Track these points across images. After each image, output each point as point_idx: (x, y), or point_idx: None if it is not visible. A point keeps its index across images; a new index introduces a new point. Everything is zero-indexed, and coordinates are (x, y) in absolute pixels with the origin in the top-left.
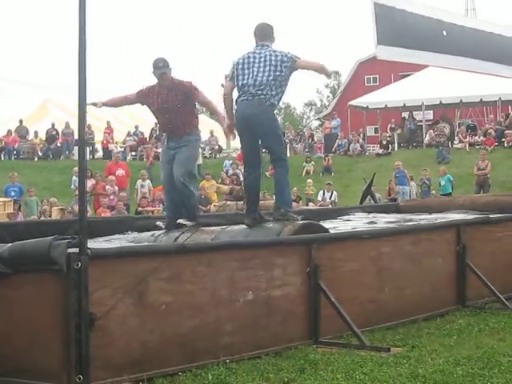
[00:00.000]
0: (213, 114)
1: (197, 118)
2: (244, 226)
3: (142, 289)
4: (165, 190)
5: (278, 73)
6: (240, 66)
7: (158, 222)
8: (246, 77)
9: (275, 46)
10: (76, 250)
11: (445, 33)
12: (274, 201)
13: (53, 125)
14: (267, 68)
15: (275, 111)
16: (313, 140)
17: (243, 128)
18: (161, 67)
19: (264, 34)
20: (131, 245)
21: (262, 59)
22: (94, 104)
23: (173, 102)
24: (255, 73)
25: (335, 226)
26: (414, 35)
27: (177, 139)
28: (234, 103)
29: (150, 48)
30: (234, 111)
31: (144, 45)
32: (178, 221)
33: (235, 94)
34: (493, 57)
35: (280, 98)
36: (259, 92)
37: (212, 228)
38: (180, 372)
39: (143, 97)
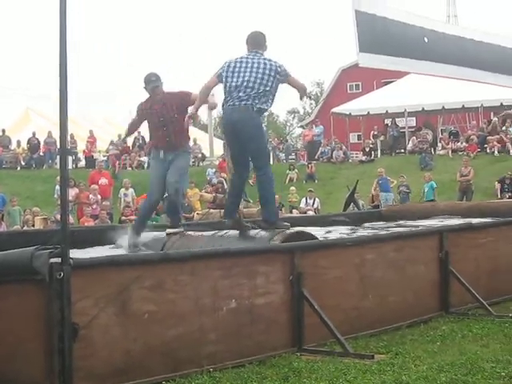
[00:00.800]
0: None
1: (187, 131)
2: (235, 233)
3: (125, 298)
4: (150, 201)
5: (268, 81)
6: (231, 69)
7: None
8: (235, 79)
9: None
10: (58, 259)
11: (426, 39)
12: (261, 211)
13: (34, 134)
14: (259, 75)
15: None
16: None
17: (230, 132)
18: (153, 81)
19: (257, 41)
20: (113, 254)
21: (255, 65)
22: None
23: (168, 114)
24: (246, 78)
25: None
26: (395, 42)
27: (173, 151)
28: (214, 103)
29: (151, 53)
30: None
31: (144, 50)
32: (167, 231)
33: (217, 92)
34: (474, 63)
35: (268, 107)
36: (247, 97)
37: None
38: (163, 381)
39: (143, 113)
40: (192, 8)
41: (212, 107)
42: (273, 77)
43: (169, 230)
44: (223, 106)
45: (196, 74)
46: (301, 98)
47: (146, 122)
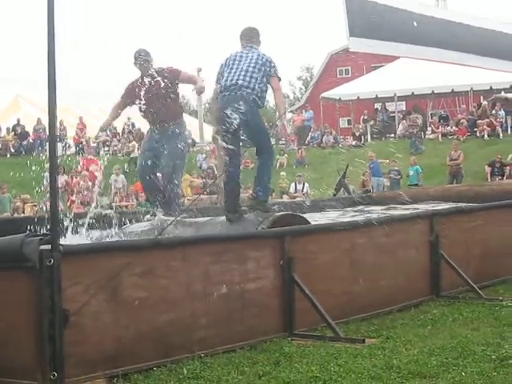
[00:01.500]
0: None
1: (181, 107)
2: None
3: (116, 284)
4: (140, 178)
5: (263, 75)
6: (226, 64)
7: (146, 217)
8: (231, 74)
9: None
10: (48, 246)
11: (415, 23)
12: (253, 188)
13: (18, 121)
14: (256, 69)
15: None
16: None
17: (225, 120)
18: (142, 56)
19: (250, 37)
20: (103, 241)
21: (249, 59)
22: (103, 130)
23: (157, 89)
24: (242, 71)
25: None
26: (385, 27)
27: (162, 128)
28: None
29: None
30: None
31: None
32: (161, 217)
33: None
34: (463, 47)
35: (263, 101)
36: (243, 88)
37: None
38: (155, 367)
39: (128, 94)
40: (189, 6)
41: (199, 91)
42: (263, 67)
43: (162, 217)
44: (218, 98)
45: (194, 71)
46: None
47: (131, 104)
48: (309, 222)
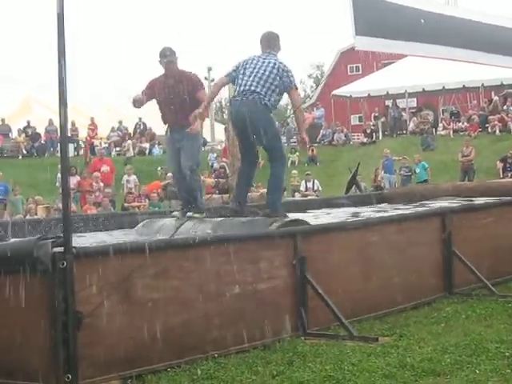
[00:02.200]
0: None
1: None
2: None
3: (129, 286)
4: (175, 181)
5: (275, 80)
6: (242, 68)
7: (174, 213)
8: (245, 79)
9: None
10: (61, 249)
11: (423, 21)
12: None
13: (28, 122)
14: (272, 75)
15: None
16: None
17: (239, 125)
18: (168, 55)
19: (270, 42)
20: (116, 242)
21: (265, 63)
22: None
23: (180, 93)
24: (256, 78)
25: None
26: (392, 25)
27: (180, 130)
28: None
29: (149, 50)
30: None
31: (143, 46)
32: (187, 214)
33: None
34: (472, 44)
35: (275, 106)
36: (256, 93)
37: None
38: (169, 368)
39: (150, 90)
40: (190, 6)
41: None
42: (279, 76)
43: (189, 214)
44: (231, 101)
45: (195, 70)
46: (299, 140)
47: (153, 100)
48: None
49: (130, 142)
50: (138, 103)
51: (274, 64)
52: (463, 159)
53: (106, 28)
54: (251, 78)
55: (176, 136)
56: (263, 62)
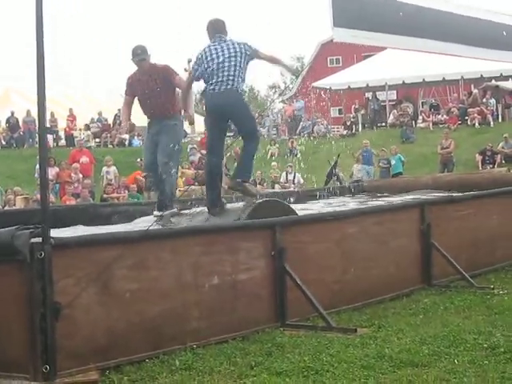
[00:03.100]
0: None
1: (178, 102)
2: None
3: (107, 277)
4: (149, 176)
5: (241, 62)
6: (203, 59)
7: (155, 212)
8: (213, 67)
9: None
10: (39, 239)
11: (401, 14)
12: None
13: (12, 113)
14: (232, 58)
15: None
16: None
17: (216, 117)
18: (139, 54)
19: (218, 28)
20: (94, 233)
21: (225, 50)
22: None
23: (153, 86)
24: (222, 63)
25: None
26: (370, 17)
27: (157, 122)
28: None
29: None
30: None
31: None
32: (154, 213)
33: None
34: (449, 36)
35: (244, 81)
36: (229, 82)
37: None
38: (147, 359)
39: (130, 88)
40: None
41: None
42: (243, 57)
43: (155, 213)
44: (206, 92)
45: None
46: (290, 71)
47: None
48: (293, 210)
49: (89, 132)
50: (126, 127)
51: (233, 44)
52: (442, 151)
53: (83, 18)
54: (221, 69)
55: (155, 127)
56: (222, 48)
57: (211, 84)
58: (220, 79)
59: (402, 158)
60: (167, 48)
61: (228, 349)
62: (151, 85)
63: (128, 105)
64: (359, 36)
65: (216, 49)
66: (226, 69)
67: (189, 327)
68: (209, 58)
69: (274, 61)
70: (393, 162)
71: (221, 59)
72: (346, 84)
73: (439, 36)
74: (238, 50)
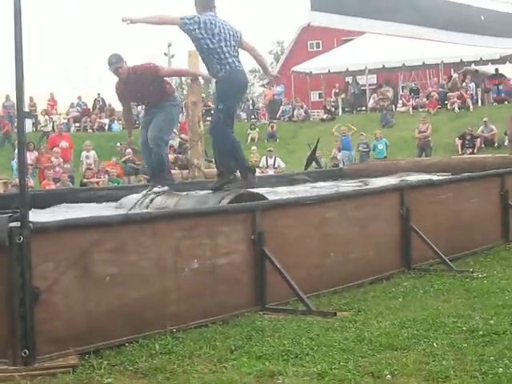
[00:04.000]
0: (185, 75)
1: (169, 84)
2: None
3: (86, 261)
4: (143, 154)
5: (237, 43)
6: (208, 30)
7: (155, 189)
8: (223, 43)
9: None
10: (18, 223)
11: None
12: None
13: None
14: (234, 38)
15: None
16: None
17: (241, 94)
18: (114, 63)
19: (207, 2)
20: (73, 217)
21: (227, 28)
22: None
23: (143, 88)
24: (231, 42)
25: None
26: (347, 2)
27: (154, 106)
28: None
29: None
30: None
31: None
32: (153, 189)
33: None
34: (428, 21)
35: None
36: (239, 60)
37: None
38: (127, 343)
39: (121, 97)
40: None
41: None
42: (237, 36)
43: (155, 189)
44: (231, 65)
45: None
46: (264, 71)
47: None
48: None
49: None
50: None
51: (230, 27)
52: (420, 135)
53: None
54: (231, 45)
55: (152, 109)
56: (224, 26)
57: (237, 59)
58: (236, 58)
59: (388, 143)
60: (147, 31)
61: (208, 333)
62: (137, 87)
63: (127, 111)
64: (335, 20)
65: (219, 26)
66: (236, 49)
67: (168, 311)
68: (216, 33)
69: (256, 56)
70: (380, 147)
71: (228, 37)
72: (326, 68)
73: (416, 21)
74: (234, 31)
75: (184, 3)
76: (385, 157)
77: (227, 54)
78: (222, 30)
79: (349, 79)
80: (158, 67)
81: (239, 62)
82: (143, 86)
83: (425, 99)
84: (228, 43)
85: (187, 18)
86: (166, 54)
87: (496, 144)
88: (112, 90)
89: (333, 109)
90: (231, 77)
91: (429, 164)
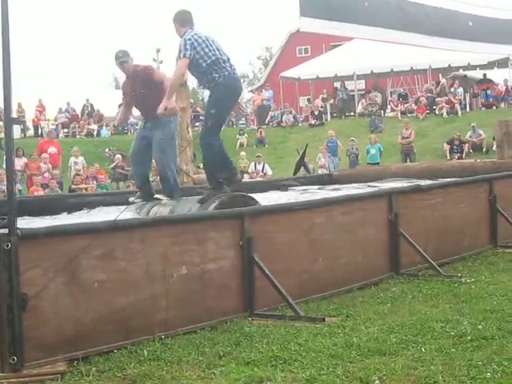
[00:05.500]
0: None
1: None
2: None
3: (74, 267)
4: (131, 164)
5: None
6: (201, 45)
7: (130, 199)
8: (217, 52)
9: None
10: (5, 230)
11: (366, 4)
12: None
13: None
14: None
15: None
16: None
17: (235, 100)
18: (120, 57)
19: (190, 18)
20: (62, 223)
21: (212, 40)
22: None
23: (137, 88)
24: (220, 49)
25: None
26: (336, 7)
27: (152, 120)
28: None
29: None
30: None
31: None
32: (155, 196)
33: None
34: (417, 27)
35: None
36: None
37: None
38: (115, 349)
39: (125, 96)
40: None
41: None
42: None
43: (157, 196)
44: (224, 73)
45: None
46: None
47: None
48: (258, 203)
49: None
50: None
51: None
52: (403, 141)
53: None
54: (224, 54)
55: (150, 122)
56: (208, 38)
57: (231, 67)
58: (233, 66)
59: (382, 149)
60: (136, 37)
61: (196, 339)
62: (136, 88)
63: (126, 106)
64: (325, 26)
65: (206, 37)
66: (228, 58)
67: (157, 318)
68: (208, 44)
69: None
70: (373, 152)
71: (218, 47)
72: (314, 74)
73: (405, 26)
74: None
75: (184, 3)
76: (377, 163)
77: (227, 64)
78: (210, 40)
79: (337, 85)
80: (153, 70)
81: (234, 69)
82: (138, 87)
83: (413, 104)
84: (221, 52)
85: (187, 52)
86: (154, 60)
87: (484, 149)
88: (100, 96)
89: (321, 114)
90: (228, 83)
91: (419, 169)
